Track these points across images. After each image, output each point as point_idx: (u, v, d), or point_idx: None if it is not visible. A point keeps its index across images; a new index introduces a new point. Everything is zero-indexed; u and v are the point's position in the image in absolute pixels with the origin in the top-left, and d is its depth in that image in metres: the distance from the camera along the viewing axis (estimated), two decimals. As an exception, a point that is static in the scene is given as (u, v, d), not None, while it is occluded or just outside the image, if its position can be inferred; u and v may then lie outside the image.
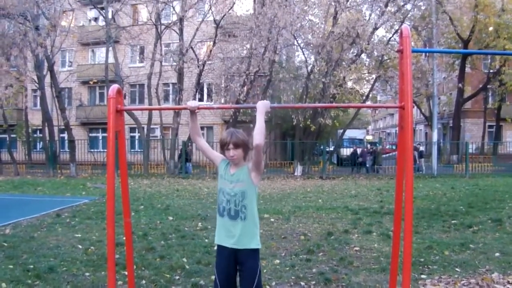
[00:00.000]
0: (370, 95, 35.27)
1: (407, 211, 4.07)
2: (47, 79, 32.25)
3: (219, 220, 4.36)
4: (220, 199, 4.34)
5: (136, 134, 40.55)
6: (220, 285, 4.30)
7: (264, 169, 24.29)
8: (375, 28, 30.01)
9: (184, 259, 8.10)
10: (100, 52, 44.82)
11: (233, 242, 4.24)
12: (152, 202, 16.29)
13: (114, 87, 4.64)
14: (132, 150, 40.17)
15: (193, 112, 4.56)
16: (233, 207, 4.24)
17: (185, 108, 4.59)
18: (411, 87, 4.26)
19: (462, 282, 6.80)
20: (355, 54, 31.62)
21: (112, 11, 34.67)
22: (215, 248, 4.47)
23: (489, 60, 43.61)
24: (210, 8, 31.37)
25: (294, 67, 37.86)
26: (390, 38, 31.66)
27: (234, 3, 30.86)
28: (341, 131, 39.14)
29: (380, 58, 31.34)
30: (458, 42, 39.34)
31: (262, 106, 4.35)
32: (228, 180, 4.31)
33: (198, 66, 31.50)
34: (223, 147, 4.30)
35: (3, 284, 6.67)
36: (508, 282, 6.76)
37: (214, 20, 31.60)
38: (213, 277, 4.98)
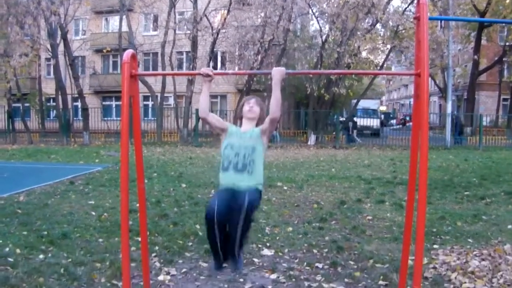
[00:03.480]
0: (385, 65, 34.99)
1: (421, 181, 4.04)
2: (61, 48, 32.23)
3: (222, 175, 4.32)
4: (226, 154, 4.30)
5: (150, 102, 40.46)
6: (218, 205, 4.10)
7: (277, 139, 24.25)
8: (391, -2, 29.68)
9: (197, 226, 8.13)
10: (114, 21, 44.43)
11: (239, 185, 4.18)
12: (165, 170, 16.36)
13: (129, 52, 4.59)
14: (145, 118, 40.14)
15: (209, 80, 4.51)
16: (241, 160, 4.22)
17: (199, 74, 4.54)
18: (428, 54, 4.18)
19: (474, 253, 6.79)
20: (370, 24, 31.34)
21: (125, -21, 34.44)
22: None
23: (505, 33, 43.01)
24: (225, -25, 31.10)
25: (308, 36, 37.51)
26: (406, 8, 31.37)
27: (249, -30, 30.61)
28: (355, 101, 38.88)
29: (395, 28, 31.06)
30: (474, 13, 38.64)
31: (277, 73, 4.30)
32: (239, 136, 4.31)
33: (212, 35, 31.36)
34: (244, 103, 4.41)
35: (18, 250, 6.74)
36: (521, 253, 6.75)
37: (228, -12, 31.35)
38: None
